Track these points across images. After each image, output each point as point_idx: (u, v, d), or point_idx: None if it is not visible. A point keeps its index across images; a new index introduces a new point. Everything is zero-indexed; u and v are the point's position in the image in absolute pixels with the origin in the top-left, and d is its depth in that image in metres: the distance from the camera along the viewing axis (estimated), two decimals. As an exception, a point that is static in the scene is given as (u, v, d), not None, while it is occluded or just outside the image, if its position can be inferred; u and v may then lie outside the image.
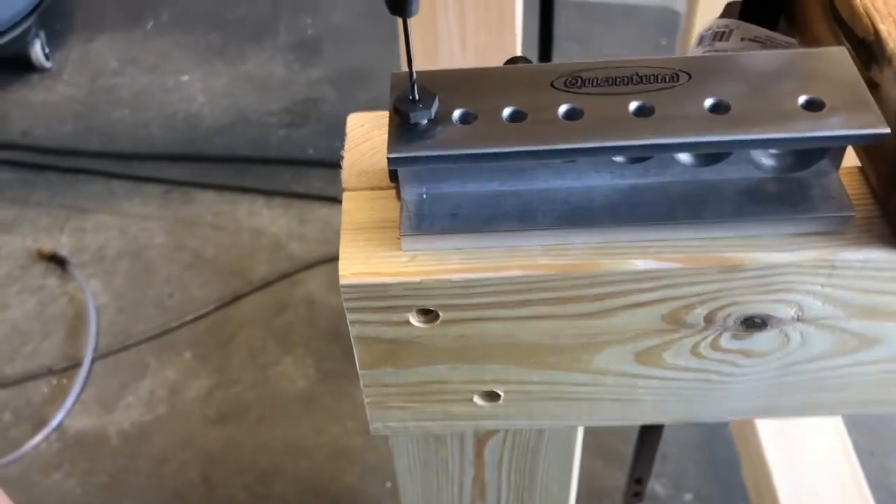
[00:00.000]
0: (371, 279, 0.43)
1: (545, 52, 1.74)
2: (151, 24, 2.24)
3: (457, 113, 0.42)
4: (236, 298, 1.68)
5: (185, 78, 2.10)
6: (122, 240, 1.78)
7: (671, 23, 2.14)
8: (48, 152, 1.94)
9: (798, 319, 0.46)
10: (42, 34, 2.08)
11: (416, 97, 0.41)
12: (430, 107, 0.41)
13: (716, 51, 0.54)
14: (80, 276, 1.71)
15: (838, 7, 0.48)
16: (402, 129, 0.41)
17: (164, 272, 1.73)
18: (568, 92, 0.42)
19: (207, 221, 1.81)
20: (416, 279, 0.43)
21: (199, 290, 1.70)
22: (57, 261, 1.74)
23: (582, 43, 2.13)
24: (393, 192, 0.47)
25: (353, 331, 0.46)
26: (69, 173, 1.91)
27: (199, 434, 1.50)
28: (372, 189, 0.48)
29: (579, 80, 0.43)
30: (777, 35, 0.54)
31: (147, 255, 1.76)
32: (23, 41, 2.01)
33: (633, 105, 0.41)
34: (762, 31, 0.54)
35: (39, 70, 2.11)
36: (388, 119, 0.51)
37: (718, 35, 0.55)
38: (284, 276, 1.71)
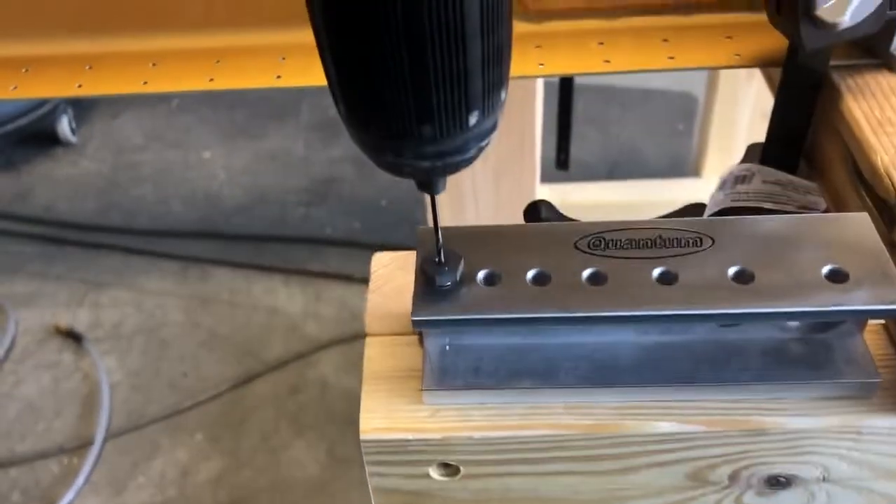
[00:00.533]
0: (392, 434, 0.43)
1: (563, 135, 1.76)
2: (177, 100, 2.29)
3: (481, 274, 0.42)
4: (250, 379, 1.68)
5: (207, 155, 2.14)
6: (138, 316, 1.79)
7: (689, 108, 2.16)
8: (69, 227, 1.97)
9: (824, 480, 0.45)
10: (70, 110, 2.13)
11: (443, 259, 0.41)
12: (455, 269, 0.41)
13: (738, 193, 0.55)
14: (95, 352, 1.72)
15: (859, 164, 0.48)
16: (427, 290, 0.42)
17: (179, 350, 1.73)
18: (591, 254, 0.42)
19: (224, 299, 1.82)
20: (438, 436, 0.43)
21: (214, 368, 1.69)
22: (73, 336, 1.74)
23: (599, 127, 2.16)
24: (416, 337, 0.48)
25: (372, 482, 0.46)
26: (89, 248, 1.93)
27: (208, 519, 1.48)
28: (395, 334, 0.48)
29: (602, 242, 0.43)
30: (797, 179, 0.55)
31: (162, 333, 1.76)
32: (51, 116, 2.06)
33: (656, 271, 0.41)
34: (783, 175, 0.55)
35: (65, 144, 2.16)
36: (411, 258, 0.51)
37: (740, 178, 0.55)
38: (299, 356, 1.71)
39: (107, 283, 1.86)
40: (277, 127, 2.20)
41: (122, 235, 1.94)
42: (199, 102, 2.29)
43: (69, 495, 1.50)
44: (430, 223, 0.42)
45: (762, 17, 0.53)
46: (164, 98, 2.30)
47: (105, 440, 1.58)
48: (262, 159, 2.12)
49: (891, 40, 0.52)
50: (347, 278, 1.83)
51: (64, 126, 2.11)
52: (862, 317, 0.41)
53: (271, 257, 1.89)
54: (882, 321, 0.46)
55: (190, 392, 1.65)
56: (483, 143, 0.34)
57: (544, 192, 1.49)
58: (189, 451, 1.57)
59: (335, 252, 1.90)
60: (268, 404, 1.64)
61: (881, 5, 0.48)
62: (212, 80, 0.55)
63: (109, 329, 1.77)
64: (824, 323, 0.44)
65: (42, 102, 2.02)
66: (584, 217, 0.47)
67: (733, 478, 0.45)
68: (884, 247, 0.42)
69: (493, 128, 0.34)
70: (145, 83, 0.55)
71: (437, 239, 0.41)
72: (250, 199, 2.02)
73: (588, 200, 1.67)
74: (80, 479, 1.52)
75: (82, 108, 2.25)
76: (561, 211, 0.59)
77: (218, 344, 1.74)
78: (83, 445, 1.57)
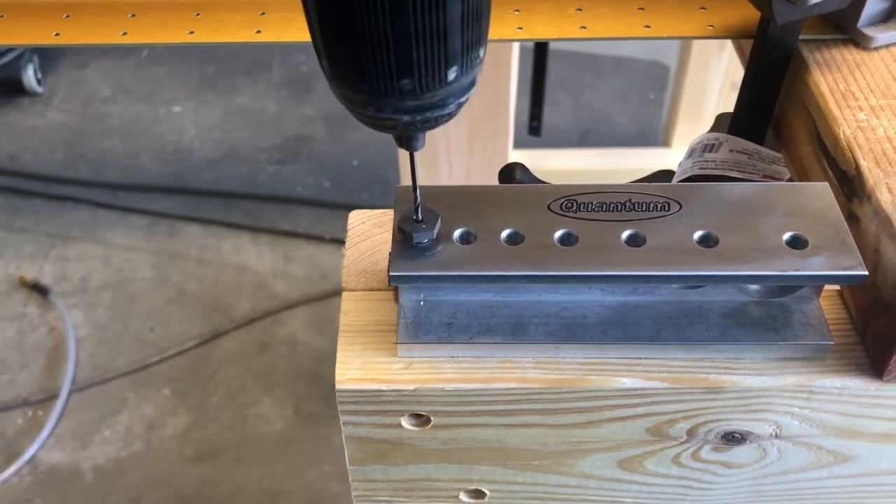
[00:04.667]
0: (367, 385, 0.45)
1: (536, 101, 1.77)
2: (146, 52, 2.25)
3: (457, 232, 0.43)
4: (218, 335, 1.68)
5: (177, 109, 2.11)
6: (105, 271, 1.78)
7: (661, 77, 2.18)
8: (36, 178, 1.94)
9: (776, 436, 0.47)
10: (35, 59, 2.09)
11: (420, 217, 0.42)
12: (432, 227, 0.42)
13: (706, 161, 0.57)
14: (61, 305, 1.71)
15: (823, 136, 0.50)
16: (405, 247, 0.43)
17: (147, 305, 1.73)
18: (563, 216, 0.44)
19: (192, 255, 1.81)
20: (411, 387, 0.44)
21: (181, 325, 1.70)
22: (39, 289, 1.73)
23: (571, 93, 2.17)
24: (391, 293, 0.49)
25: (346, 431, 0.47)
26: (56, 200, 1.91)
27: (174, 473, 1.49)
28: (371, 290, 0.49)
29: (575, 205, 0.44)
30: (763, 149, 0.56)
31: (130, 288, 1.75)
32: (16, 65, 2.02)
33: (625, 233, 0.43)
34: (749, 145, 0.56)
35: (31, 94, 2.11)
36: (387, 217, 0.52)
37: (709, 147, 0.57)
38: (267, 314, 1.72)
39: (74, 236, 1.84)
40: (248, 83, 2.17)
41: (90, 188, 1.92)
42: (169, 55, 2.25)
43: (33, 447, 1.50)
44: (403, 183, 0.42)
45: (736, -11, 0.54)
46: (133, 50, 2.26)
47: (70, 393, 1.58)
48: (233, 115, 2.10)
49: (859, 16, 0.54)
50: (317, 238, 1.84)
51: (29, 75, 2.07)
52: (819, 282, 0.43)
53: (241, 215, 1.89)
54: (837, 287, 0.49)
55: (157, 347, 1.66)
56: (462, 99, 0.35)
57: (516, 157, 1.50)
58: (155, 406, 1.58)
59: (305, 211, 1.90)
60: (235, 361, 1.65)
61: (851, -18, 0.49)
62: (192, 32, 0.55)
63: (76, 283, 1.76)
64: (783, 287, 0.46)
65: (6, 51, 1.98)
66: (555, 183, 0.49)
67: (691, 433, 0.47)
68: (842, 216, 0.44)
69: (472, 84, 0.35)
70: (125, 34, 0.55)
71: (416, 197, 0.42)
72: (221, 156, 2.01)
73: (559, 167, 1.69)
74: (45, 432, 1.52)
75: (48, 57, 2.21)
76: (534, 175, 0.60)
77: (186, 300, 1.74)
78: (48, 398, 1.57)
